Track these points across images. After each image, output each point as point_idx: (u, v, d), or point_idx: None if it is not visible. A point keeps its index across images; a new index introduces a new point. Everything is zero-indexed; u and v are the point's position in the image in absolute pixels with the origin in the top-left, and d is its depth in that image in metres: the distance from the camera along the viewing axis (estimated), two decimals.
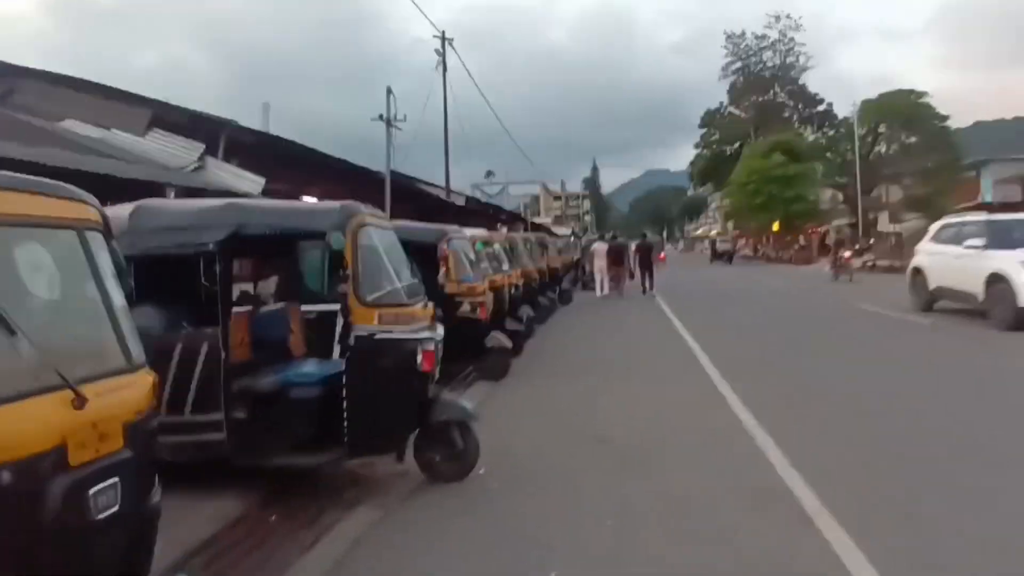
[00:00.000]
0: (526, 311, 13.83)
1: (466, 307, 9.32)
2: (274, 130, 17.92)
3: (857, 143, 53.67)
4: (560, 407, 8.09)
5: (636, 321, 16.63)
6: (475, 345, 9.71)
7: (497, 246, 13.42)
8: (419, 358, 5.10)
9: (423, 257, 9.62)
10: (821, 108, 78.10)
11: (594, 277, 24.50)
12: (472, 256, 10.27)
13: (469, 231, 11.44)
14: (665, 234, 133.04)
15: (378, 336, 5.00)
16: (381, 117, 18.48)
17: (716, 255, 58.67)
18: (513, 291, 13.06)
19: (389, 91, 18.20)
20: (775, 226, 58.62)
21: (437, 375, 5.77)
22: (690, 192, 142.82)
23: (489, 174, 79.80)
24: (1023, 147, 50.09)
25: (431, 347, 5.27)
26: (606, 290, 23.73)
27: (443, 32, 26.64)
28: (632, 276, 25.06)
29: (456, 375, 9.93)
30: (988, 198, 46.71)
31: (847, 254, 31.72)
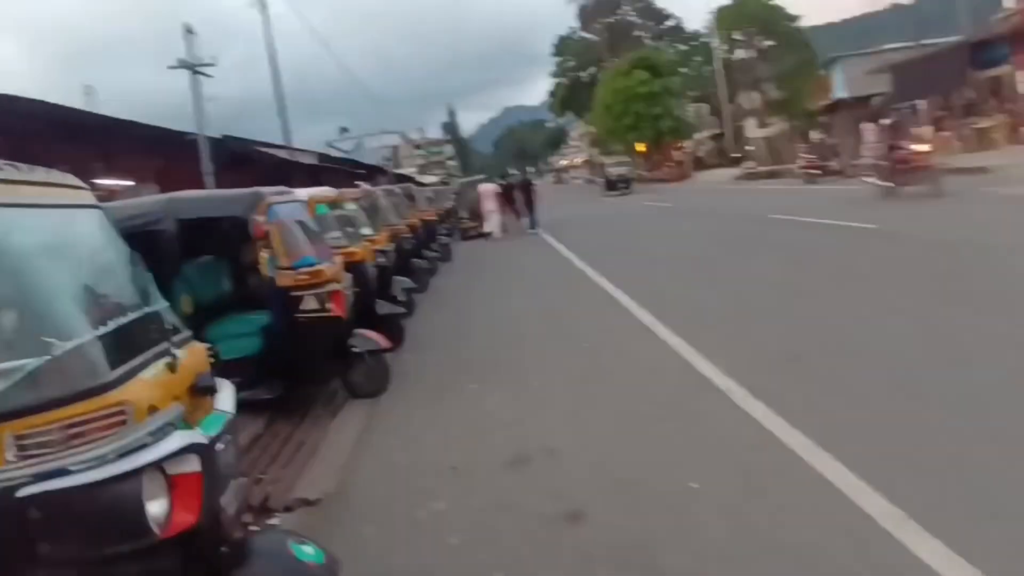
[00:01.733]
0: (402, 283, 10.80)
1: (312, 303, 6.21)
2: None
3: (717, 50, 52.72)
4: (485, 442, 5.17)
5: (540, 274, 13.86)
6: (336, 352, 6.70)
7: (351, 206, 10.24)
8: (156, 514, 2.07)
9: (234, 240, 6.49)
10: (670, 24, 77.13)
11: (484, 221, 23.83)
12: (313, 226, 7.12)
13: (304, 191, 8.23)
14: (532, 168, 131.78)
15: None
16: (183, 64, 14.44)
17: (610, 183, 43.52)
18: (382, 260, 10.00)
19: (188, 29, 14.21)
20: (640, 146, 57.37)
21: (241, 511, 2.75)
22: (550, 124, 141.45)
23: (343, 130, 74.58)
24: (857, 46, 50.57)
25: (190, 467, 2.23)
26: (498, 231, 23.25)
27: None
28: (519, 215, 24.37)
29: (316, 400, 6.90)
30: (841, 95, 46.92)
31: (922, 148, 16.51)
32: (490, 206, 23.58)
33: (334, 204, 8.92)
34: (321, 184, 14.44)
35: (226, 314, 6.86)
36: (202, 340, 6.70)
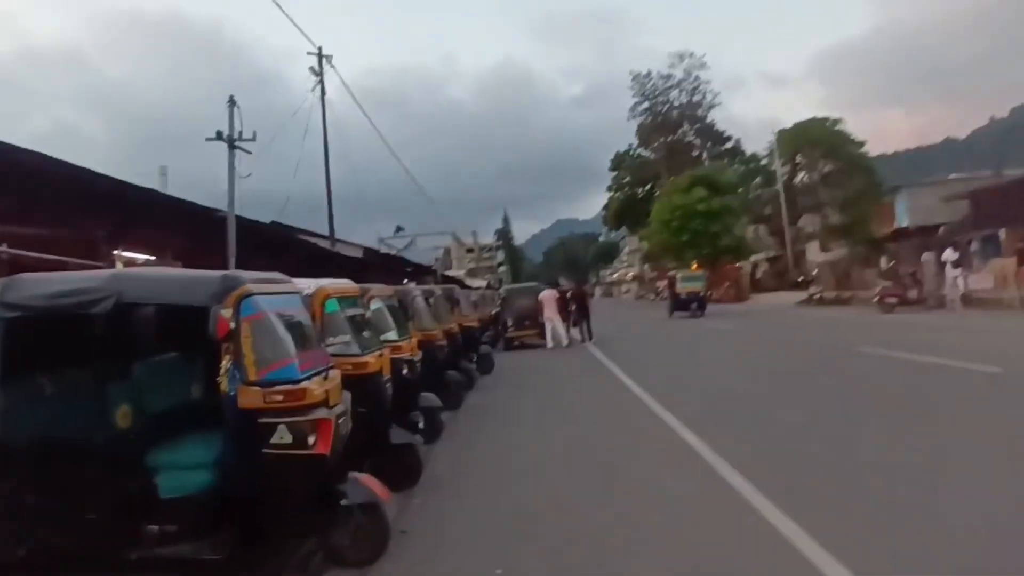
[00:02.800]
0: (428, 400, 9.02)
1: (284, 435, 4.44)
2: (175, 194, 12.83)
3: (780, 171, 51.66)
4: None
5: (594, 399, 11.92)
6: (317, 501, 4.86)
7: (376, 304, 8.60)
8: None
9: (205, 336, 4.81)
10: (729, 145, 77.03)
11: (544, 328, 22.37)
12: (308, 327, 5.41)
13: (309, 282, 6.60)
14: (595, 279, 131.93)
15: None
16: (220, 136, 13.32)
17: (680, 303, 34.09)
18: (406, 372, 8.27)
19: (232, 102, 13.17)
20: (693, 265, 55.76)
21: None
22: (602, 238, 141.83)
23: (399, 229, 74.76)
24: (910, 177, 49.67)
25: None
26: (555, 341, 21.85)
27: (320, 48, 21.89)
28: (572, 325, 23.28)
29: (281, 564, 5.02)
30: (904, 223, 45.12)
31: None
32: (551, 313, 22.24)
33: (350, 300, 7.26)
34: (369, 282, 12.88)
35: (186, 432, 5.14)
36: (143, 466, 4.99)
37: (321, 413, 4.63)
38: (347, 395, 5.30)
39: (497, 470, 7.48)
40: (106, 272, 4.86)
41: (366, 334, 7.27)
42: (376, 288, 8.90)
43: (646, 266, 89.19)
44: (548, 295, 22.86)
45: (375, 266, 29.93)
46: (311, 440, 4.52)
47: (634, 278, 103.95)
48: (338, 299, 6.78)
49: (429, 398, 9.06)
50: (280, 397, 4.46)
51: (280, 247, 18.05)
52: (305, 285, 6.55)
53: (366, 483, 5.05)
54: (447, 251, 78.40)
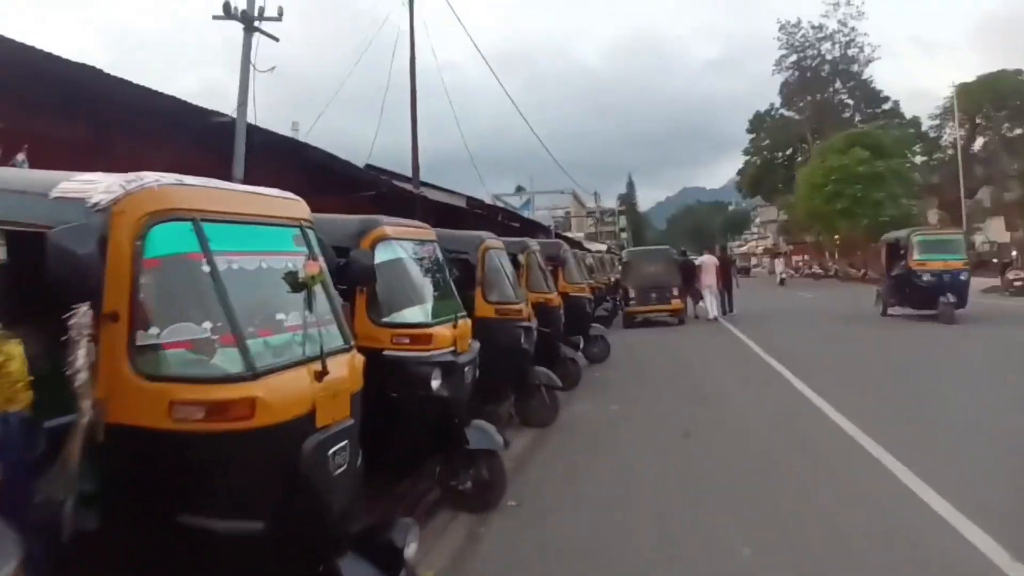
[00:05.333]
0: (480, 441, 4.84)
1: None
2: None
3: (957, 134, 44.12)
4: None
5: (756, 408, 7.43)
6: None
7: (390, 251, 4.47)
8: None
9: None
10: (887, 106, 67.88)
11: (703, 297, 20.21)
12: None
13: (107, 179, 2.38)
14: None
15: None
16: (228, 11, 9.08)
17: (916, 290, 16.65)
18: (437, 387, 4.17)
19: None
20: (836, 238, 48.70)
21: None
22: (732, 206, 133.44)
23: (519, 189, 70.92)
24: None
25: None
26: (715, 311, 19.72)
27: None
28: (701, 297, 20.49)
29: None
30: None
31: None
32: (711, 281, 19.80)
33: (297, 239, 3.12)
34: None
35: None
36: None
37: None
38: None
39: None
40: None
41: (322, 326, 3.10)
42: (391, 225, 4.70)
43: (781, 238, 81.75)
44: (709, 261, 20.56)
45: (480, 219, 25.88)
46: None
47: (766, 251, 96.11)
48: (227, 228, 2.64)
49: (482, 434, 4.85)
50: None
51: (339, 180, 14.02)
52: (107, 182, 2.47)
53: None
54: (567, 213, 73.91)
